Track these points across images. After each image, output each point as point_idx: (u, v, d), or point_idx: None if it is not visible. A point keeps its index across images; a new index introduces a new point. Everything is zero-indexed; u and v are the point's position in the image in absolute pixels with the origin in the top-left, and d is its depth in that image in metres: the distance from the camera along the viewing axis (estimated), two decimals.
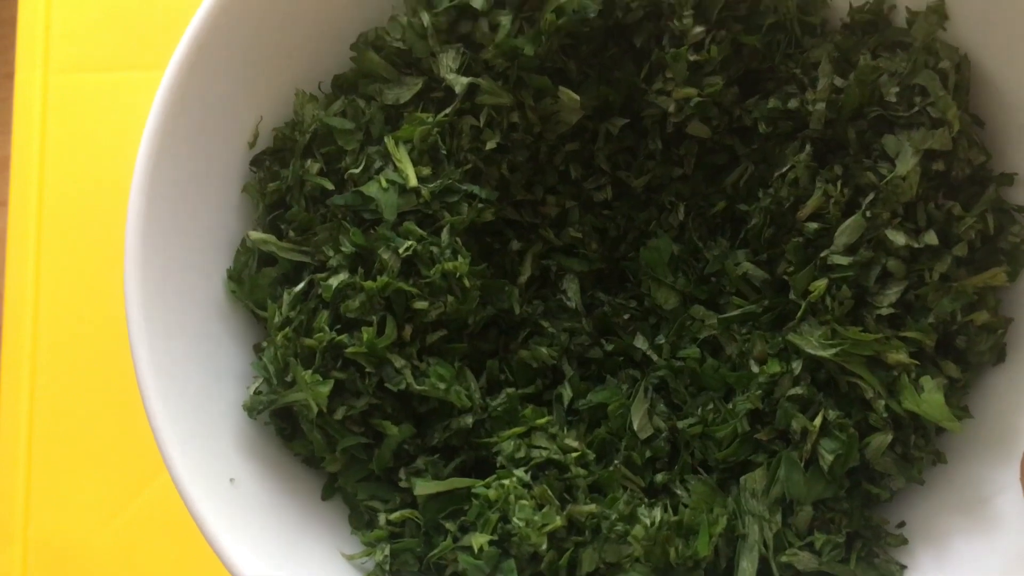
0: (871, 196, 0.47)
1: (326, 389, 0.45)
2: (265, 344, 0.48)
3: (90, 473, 0.61)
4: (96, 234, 0.65)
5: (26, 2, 0.68)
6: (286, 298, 0.48)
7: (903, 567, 0.46)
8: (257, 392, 0.47)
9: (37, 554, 0.61)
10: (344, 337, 0.46)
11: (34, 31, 0.67)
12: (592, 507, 0.45)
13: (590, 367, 0.53)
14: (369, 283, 0.46)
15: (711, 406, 0.49)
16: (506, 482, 0.45)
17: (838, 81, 0.49)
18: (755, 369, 0.49)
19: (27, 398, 0.63)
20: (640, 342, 0.52)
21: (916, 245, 0.47)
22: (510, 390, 0.49)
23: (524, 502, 0.44)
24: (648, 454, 0.48)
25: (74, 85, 0.67)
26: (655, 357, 0.52)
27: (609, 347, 0.53)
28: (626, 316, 0.53)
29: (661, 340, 0.52)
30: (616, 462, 0.48)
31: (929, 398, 0.45)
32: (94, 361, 0.63)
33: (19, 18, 0.67)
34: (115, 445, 0.61)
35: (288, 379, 0.46)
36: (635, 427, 0.48)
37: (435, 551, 0.45)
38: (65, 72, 0.67)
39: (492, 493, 0.45)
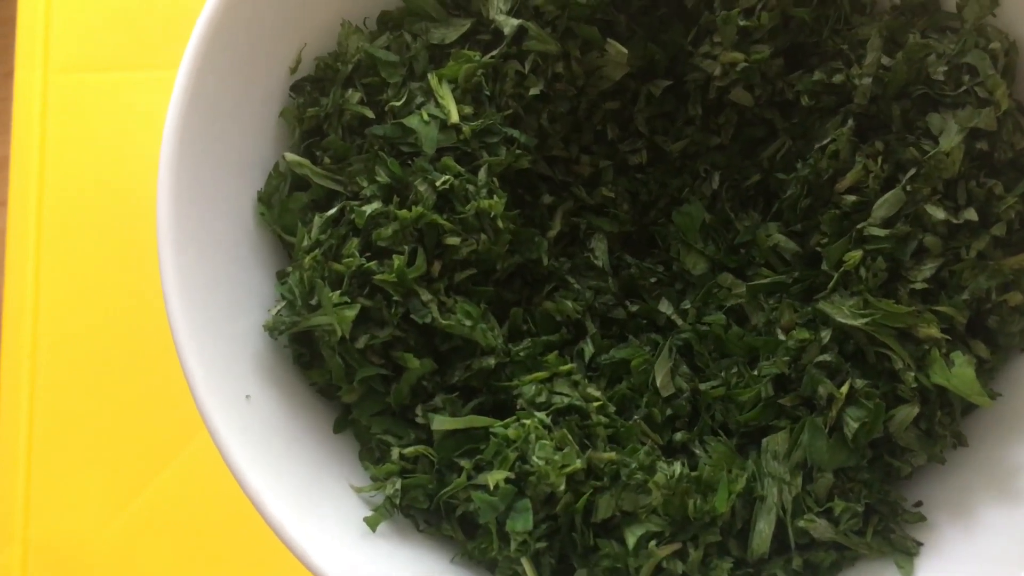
0: (912, 172, 0.47)
1: (352, 313, 0.44)
2: (291, 268, 0.47)
3: (90, 473, 0.61)
4: (96, 234, 0.65)
5: (26, 2, 0.68)
6: (317, 222, 0.47)
7: (920, 544, 0.45)
8: (280, 314, 0.46)
9: (37, 554, 0.61)
10: (373, 264, 0.45)
11: (34, 31, 0.67)
12: (612, 454, 0.44)
13: (612, 327, 0.52)
14: (403, 212, 0.45)
15: (735, 370, 0.48)
16: (527, 421, 0.44)
17: (885, 59, 0.49)
18: (782, 337, 0.48)
19: (27, 398, 0.63)
20: (665, 306, 0.52)
21: (955, 221, 0.46)
22: (534, 338, 0.49)
23: (544, 442, 0.43)
24: (669, 412, 0.48)
25: (74, 85, 0.67)
26: (679, 321, 0.51)
27: (633, 308, 0.52)
28: (652, 280, 0.53)
29: (687, 305, 0.52)
30: (636, 417, 0.47)
31: (960, 372, 0.45)
32: (94, 361, 0.63)
33: (19, 18, 0.67)
34: (115, 445, 0.61)
35: (313, 302, 0.45)
36: (658, 384, 0.48)
37: (448, 488, 0.44)
38: (65, 72, 0.67)
39: (512, 432, 0.44)
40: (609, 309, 0.52)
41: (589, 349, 0.50)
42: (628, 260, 0.53)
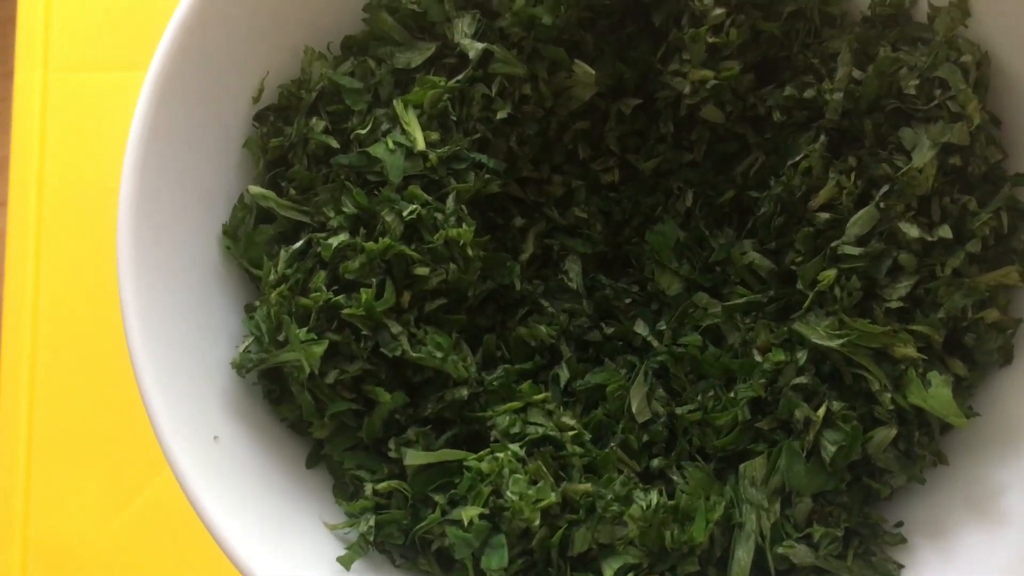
0: (885, 188, 0.47)
1: (320, 349, 0.44)
2: (258, 303, 0.47)
3: (90, 473, 0.61)
4: (96, 234, 0.64)
5: (26, 2, 0.67)
6: (283, 255, 0.46)
7: (901, 566, 0.45)
8: (247, 350, 0.45)
9: (37, 554, 0.60)
10: (341, 298, 0.45)
11: (34, 31, 0.67)
12: (587, 486, 0.43)
13: (588, 350, 0.52)
14: (371, 244, 0.45)
15: (711, 393, 0.48)
16: (500, 455, 0.43)
17: (856, 73, 0.48)
18: (758, 358, 0.48)
19: (27, 398, 0.62)
20: (641, 327, 0.51)
21: (929, 239, 0.46)
22: (507, 365, 0.48)
23: (518, 476, 0.43)
24: (645, 438, 0.47)
25: (74, 85, 0.66)
26: (655, 343, 0.50)
27: (609, 331, 0.51)
28: (627, 300, 0.52)
29: (662, 326, 0.51)
30: (612, 445, 0.47)
31: (936, 393, 0.44)
32: (94, 361, 0.62)
33: (19, 18, 0.67)
34: (115, 445, 0.61)
35: (280, 338, 0.45)
36: (634, 410, 0.47)
37: (422, 524, 0.44)
38: (65, 72, 0.66)
39: (485, 466, 0.43)
40: (584, 332, 0.51)
41: (564, 374, 0.50)
42: (603, 281, 0.53)
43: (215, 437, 0.44)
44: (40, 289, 0.63)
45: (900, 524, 0.47)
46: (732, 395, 0.47)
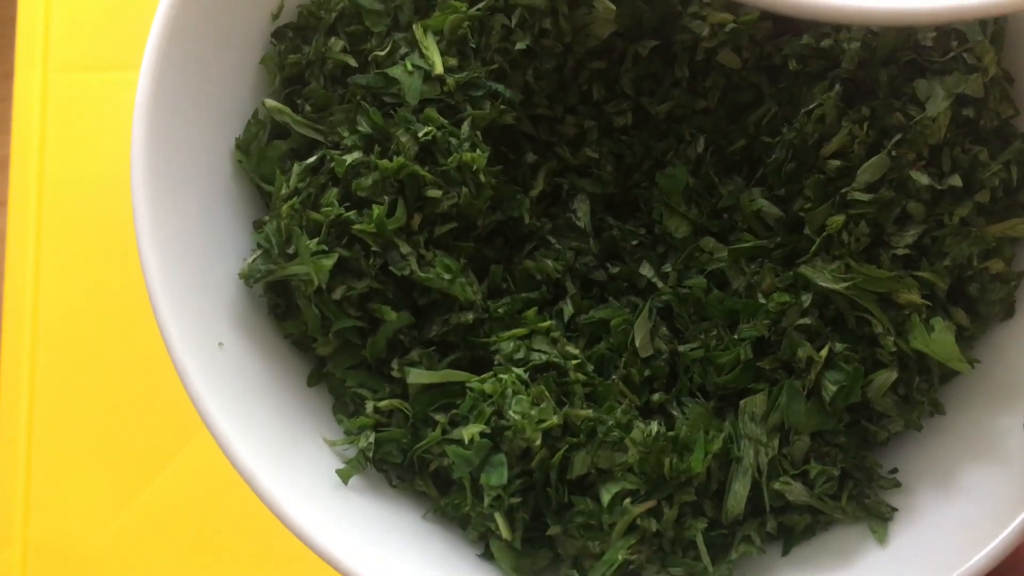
0: (897, 137, 0.47)
1: (329, 263, 0.44)
2: (268, 218, 0.47)
3: (90, 473, 0.61)
4: (96, 234, 0.65)
5: (26, 2, 0.67)
6: (296, 170, 0.46)
7: (895, 509, 0.45)
8: (255, 262, 0.45)
9: (37, 554, 0.60)
10: (352, 214, 0.45)
11: (34, 31, 0.67)
12: (589, 412, 0.44)
13: (592, 289, 0.52)
14: (384, 162, 0.45)
15: (714, 332, 0.48)
16: (504, 376, 0.44)
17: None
18: (763, 300, 0.48)
19: (27, 398, 0.62)
20: (646, 269, 0.51)
21: (939, 187, 0.46)
22: (513, 295, 0.48)
23: (521, 396, 0.43)
24: (647, 373, 0.47)
25: (74, 85, 0.66)
26: (660, 284, 0.51)
27: (614, 270, 0.51)
28: (634, 242, 0.52)
29: (668, 268, 0.51)
30: (614, 377, 0.47)
31: (939, 338, 0.44)
32: (94, 361, 0.62)
33: (19, 18, 0.67)
34: (115, 445, 0.61)
35: (290, 251, 0.45)
36: (637, 344, 0.47)
37: (422, 442, 0.44)
38: (65, 72, 0.66)
39: (488, 387, 0.43)
40: (590, 270, 0.52)
41: (569, 309, 0.50)
42: (610, 222, 0.53)
43: (220, 344, 0.44)
44: (40, 289, 0.64)
45: (895, 470, 0.47)
46: (735, 335, 0.47)
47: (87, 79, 0.66)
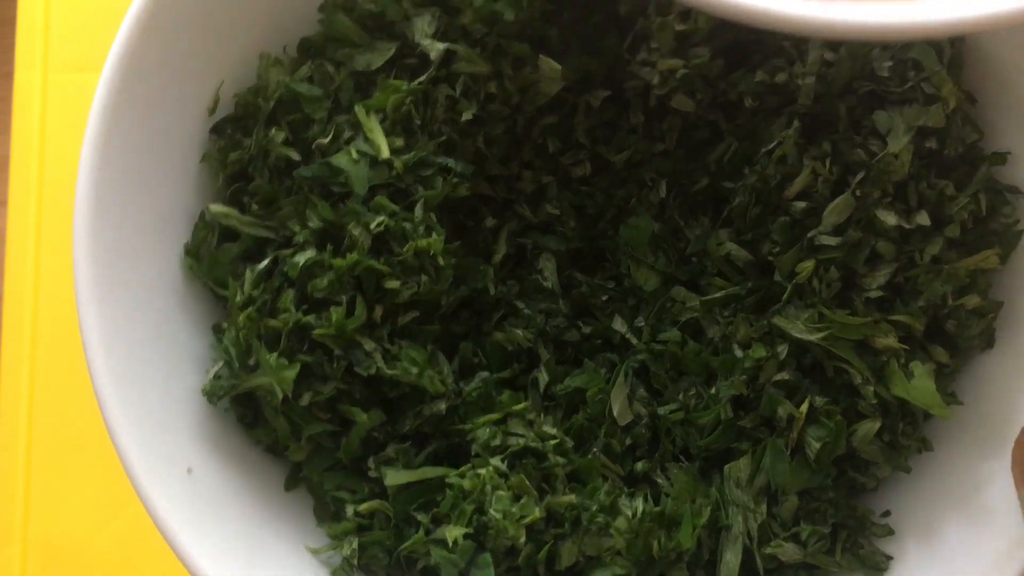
0: (861, 175, 0.46)
1: (292, 373, 0.43)
2: (226, 325, 0.46)
3: (90, 473, 0.60)
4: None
5: (26, 2, 0.66)
6: (249, 276, 0.45)
7: (889, 558, 0.45)
8: (217, 376, 0.44)
9: (37, 554, 0.60)
10: (311, 318, 0.43)
11: (34, 31, 0.66)
12: (572, 498, 0.43)
13: (567, 350, 0.51)
14: (338, 261, 0.43)
15: (693, 391, 0.47)
16: (482, 471, 0.43)
17: (828, 55, 0.47)
18: (739, 353, 0.47)
19: (27, 398, 0.61)
20: (619, 324, 0.50)
21: (907, 226, 0.45)
22: (484, 374, 0.47)
23: (501, 492, 0.42)
24: (628, 441, 0.47)
25: (74, 85, 0.65)
26: (634, 340, 0.50)
27: (587, 329, 0.50)
28: (604, 297, 0.51)
29: (640, 323, 0.50)
30: (595, 450, 0.46)
31: (919, 384, 0.44)
32: None
33: (19, 18, 0.66)
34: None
35: (251, 363, 0.44)
36: (615, 413, 0.46)
37: (406, 544, 0.43)
38: (65, 72, 0.65)
39: (467, 483, 0.43)
40: (562, 332, 0.50)
41: (544, 378, 0.49)
42: (578, 278, 0.51)
43: (189, 469, 0.43)
44: (40, 289, 0.63)
45: (887, 514, 0.47)
46: (714, 392, 0.46)
47: (87, 79, 0.65)
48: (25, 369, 0.62)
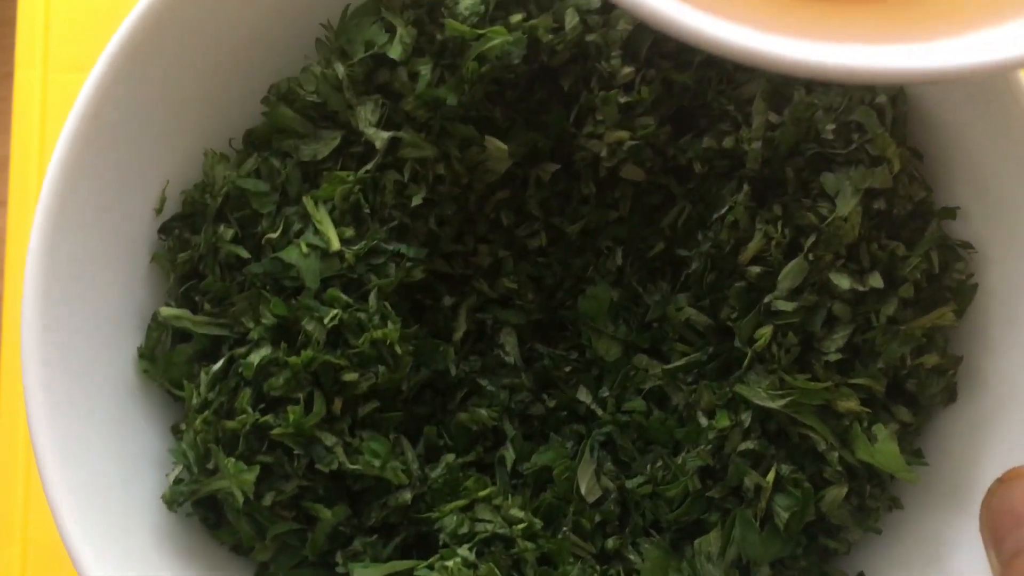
0: (813, 238, 0.46)
1: (251, 476, 0.42)
2: (183, 427, 0.45)
3: None
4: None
5: (26, 2, 0.66)
6: (204, 378, 0.44)
7: None
8: (177, 481, 0.44)
9: (37, 554, 0.59)
10: (269, 417, 0.43)
11: (33, 31, 0.65)
12: None
13: (533, 424, 0.50)
14: (293, 359, 0.43)
15: (660, 463, 0.47)
16: (449, 563, 0.42)
17: (773, 117, 0.47)
18: (703, 422, 0.47)
19: None
20: (583, 395, 0.50)
21: (861, 288, 0.45)
22: (450, 458, 0.47)
23: None
24: (597, 518, 0.46)
25: (74, 85, 0.63)
26: (600, 411, 0.49)
27: (551, 403, 0.50)
28: (567, 368, 0.51)
29: (605, 392, 0.50)
30: (565, 528, 0.46)
31: (883, 448, 0.44)
32: None
33: (19, 18, 0.66)
34: None
35: (210, 466, 0.43)
36: (583, 491, 0.46)
37: None
38: (65, 72, 0.65)
39: None
40: (527, 406, 0.50)
41: (510, 455, 0.48)
42: (540, 350, 0.51)
43: None
44: None
45: (862, 574, 0.46)
46: (680, 463, 0.46)
47: (87, 79, 0.65)
48: None
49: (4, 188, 0.64)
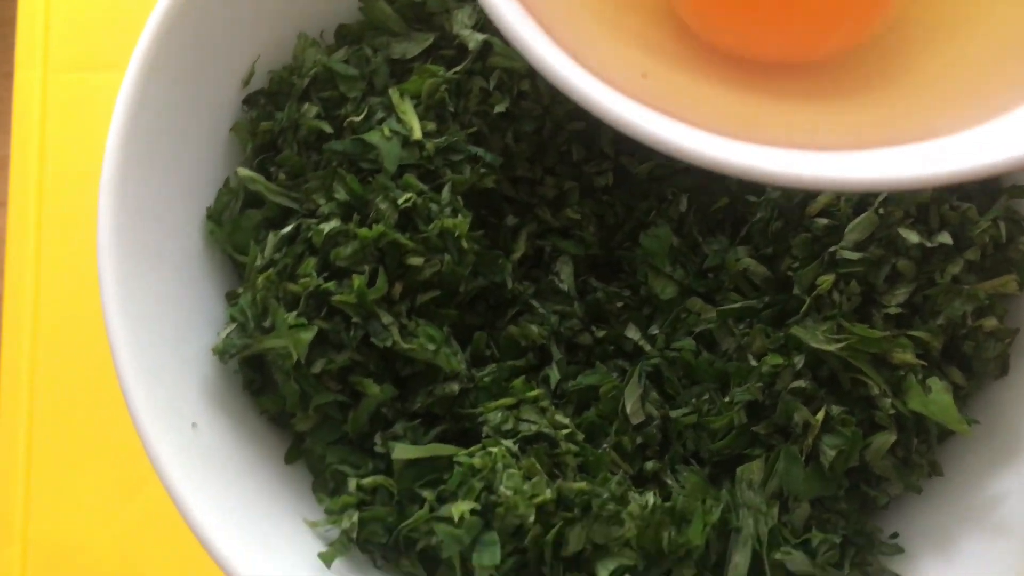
0: (883, 195, 0.46)
1: (308, 335, 0.42)
2: (242, 290, 0.45)
3: (90, 473, 0.60)
4: (96, 234, 0.63)
5: (26, 2, 0.67)
6: (271, 240, 0.45)
7: None
8: (230, 336, 0.44)
9: (37, 554, 0.59)
10: (332, 284, 0.43)
11: (34, 31, 0.66)
12: (583, 484, 0.42)
13: (578, 353, 0.50)
14: (364, 231, 0.43)
15: (706, 397, 0.47)
16: (494, 450, 0.42)
17: None
18: (754, 363, 0.47)
19: (27, 398, 0.61)
20: (632, 332, 0.50)
21: (929, 244, 0.45)
22: (498, 363, 0.47)
23: (512, 471, 0.41)
24: (639, 440, 0.46)
25: (74, 85, 0.66)
26: (648, 347, 0.49)
27: (600, 334, 0.50)
28: (620, 304, 0.51)
29: (655, 331, 0.50)
30: (606, 446, 0.45)
31: (937, 399, 0.43)
32: (94, 361, 0.61)
33: (19, 18, 0.67)
34: (116, 445, 0.60)
35: (266, 324, 0.43)
36: (628, 411, 0.46)
37: (409, 520, 0.42)
38: (65, 72, 0.66)
39: (478, 461, 0.42)
40: (575, 334, 0.50)
41: (555, 375, 0.48)
42: (594, 284, 0.51)
43: (193, 424, 0.42)
44: (40, 289, 0.62)
45: (895, 535, 0.46)
46: (728, 400, 0.46)
47: (87, 79, 0.65)
48: (25, 369, 0.61)
49: (4, 188, 0.65)
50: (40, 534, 0.59)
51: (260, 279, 0.43)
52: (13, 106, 0.65)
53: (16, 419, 0.60)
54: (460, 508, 0.40)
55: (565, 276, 0.51)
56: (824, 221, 0.47)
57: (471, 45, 0.47)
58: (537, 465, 0.42)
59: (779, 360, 0.45)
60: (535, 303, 0.50)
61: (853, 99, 0.37)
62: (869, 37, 0.37)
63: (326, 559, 0.42)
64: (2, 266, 0.64)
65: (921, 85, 0.36)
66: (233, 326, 0.44)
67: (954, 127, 0.33)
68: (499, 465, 0.41)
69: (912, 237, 0.45)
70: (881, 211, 0.46)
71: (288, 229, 0.45)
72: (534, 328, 0.48)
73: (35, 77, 0.65)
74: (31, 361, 0.61)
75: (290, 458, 0.45)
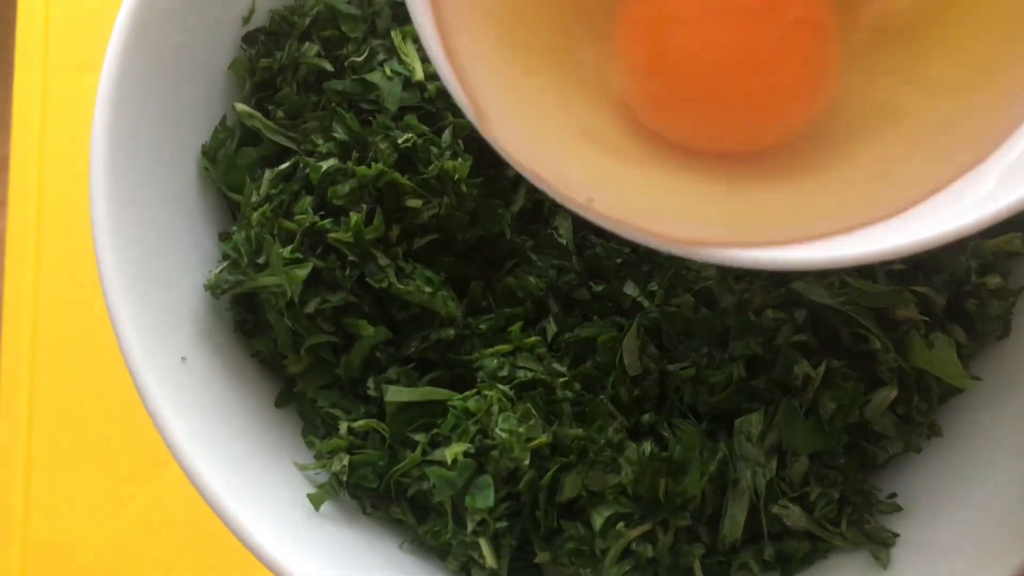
0: None
1: (303, 272, 0.41)
2: (236, 228, 0.44)
3: (90, 473, 0.60)
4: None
5: (26, 2, 0.67)
6: (267, 176, 0.44)
7: (896, 535, 0.43)
8: (223, 273, 0.43)
9: (37, 554, 0.59)
10: (328, 222, 0.42)
11: (33, 30, 0.66)
12: (579, 431, 0.41)
13: (575, 308, 0.49)
14: (362, 169, 0.42)
15: (705, 351, 0.46)
16: (489, 393, 0.41)
17: None
18: (753, 319, 0.46)
19: (27, 398, 0.61)
20: (631, 288, 0.49)
21: None
22: (496, 311, 0.46)
23: (508, 414, 0.40)
24: (636, 392, 0.45)
25: (74, 85, 0.66)
26: (646, 303, 0.49)
27: (598, 289, 0.49)
28: (619, 261, 0.50)
29: (653, 287, 0.49)
30: (602, 397, 0.44)
31: (941, 354, 0.43)
32: (94, 361, 0.61)
33: (19, 18, 0.66)
34: (115, 445, 0.60)
35: (260, 261, 0.42)
36: (626, 363, 0.45)
37: (401, 464, 0.41)
38: (65, 72, 0.65)
39: (472, 404, 0.41)
40: (572, 289, 0.49)
41: (552, 327, 0.47)
42: (593, 240, 0.51)
43: (183, 358, 0.41)
44: (40, 289, 0.62)
45: (894, 495, 0.45)
46: (727, 354, 0.45)
47: (87, 79, 0.65)
48: (25, 369, 0.61)
49: (4, 188, 0.64)
50: (40, 534, 0.59)
51: (255, 215, 0.42)
52: (13, 106, 0.65)
53: (16, 419, 0.60)
54: (454, 450, 0.40)
55: (564, 230, 0.50)
56: None
57: None
58: (533, 410, 0.41)
59: (780, 314, 0.45)
60: (533, 256, 0.49)
61: (798, 184, 0.37)
62: (809, 124, 0.38)
63: (315, 501, 0.41)
64: (2, 266, 0.64)
65: (857, 169, 0.36)
66: (226, 263, 0.43)
67: (895, 208, 0.33)
68: (494, 408, 0.40)
69: None
70: None
71: (285, 166, 0.44)
72: (532, 280, 0.48)
73: (35, 77, 0.65)
74: (31, 361, 0.61)
75: (280, 402, 0.44)
